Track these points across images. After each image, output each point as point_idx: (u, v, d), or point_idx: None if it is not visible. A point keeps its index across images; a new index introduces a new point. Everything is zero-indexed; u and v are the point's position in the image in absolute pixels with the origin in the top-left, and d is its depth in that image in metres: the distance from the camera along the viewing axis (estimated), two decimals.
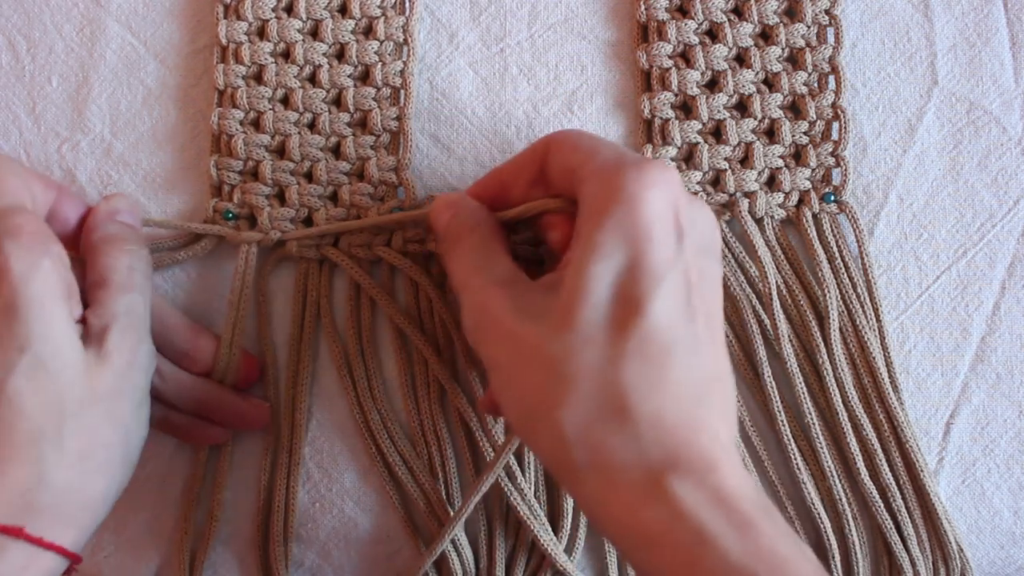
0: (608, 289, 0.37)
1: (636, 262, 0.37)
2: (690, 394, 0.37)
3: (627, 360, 0.37)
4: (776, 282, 0.52)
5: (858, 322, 0.51)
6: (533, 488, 0.50)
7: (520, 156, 0.45)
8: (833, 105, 0.53)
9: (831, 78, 0.53)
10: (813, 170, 0.53)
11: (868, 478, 0.50)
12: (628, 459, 0.36)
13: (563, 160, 0.42)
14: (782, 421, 0.51)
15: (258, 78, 0.52)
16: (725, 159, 0.53)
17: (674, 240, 0.38)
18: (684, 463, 0.36)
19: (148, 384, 0.44)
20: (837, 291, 0.52)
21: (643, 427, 0.36)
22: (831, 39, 0.53)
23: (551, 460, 0.39)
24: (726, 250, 0.52)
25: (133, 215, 0.48)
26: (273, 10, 0.53)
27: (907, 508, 0.50)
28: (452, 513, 0.49)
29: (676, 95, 0.53)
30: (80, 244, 0.46)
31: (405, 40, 0.53)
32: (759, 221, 0.53)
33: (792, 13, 0.54)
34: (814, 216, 0.53)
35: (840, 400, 0.51)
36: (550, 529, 0.49)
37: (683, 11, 0.54)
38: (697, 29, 0.53)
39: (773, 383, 0.51)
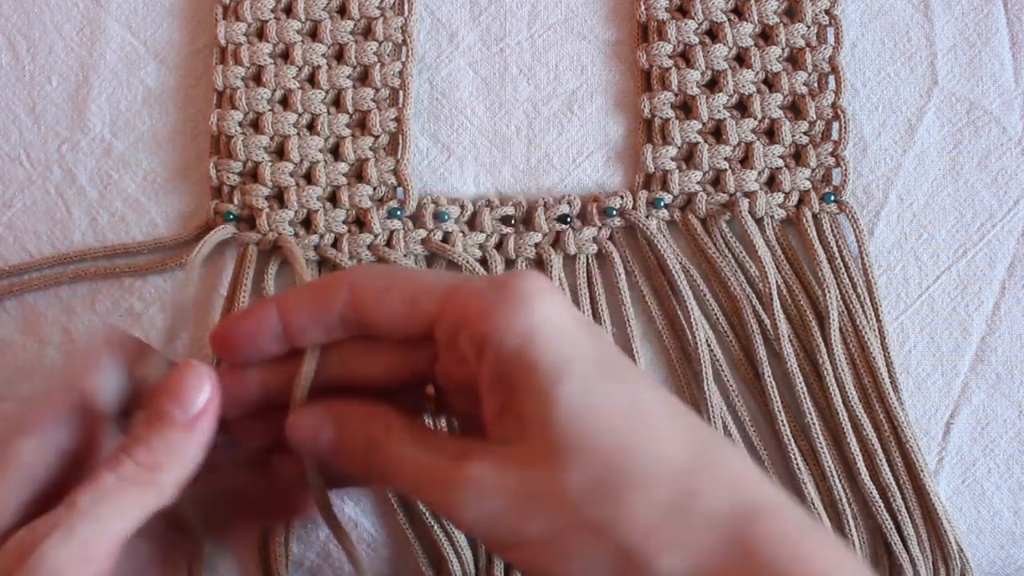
0: (592, 406, 0.34)
1: (600, 363, 0.35)
2: (729, 449, 0.35)
3: (663, 446, 0.34)
4: (776, 282, 0.52)
5: (858, 322, 0.51)
6: None
7: (299, 292, 0.39)
8: (833, 105, 0.53)
9: (831, 78, 0.53)
10: (813, 170, 0.53)
11: (868, 478, 0.50)
12: (705, 526, 0.33)
13: (398, 307, 0.37)
14: (782, 421, 0.51)
15: (257, 79, 0.52)
16: (725, 159, 0.53)
17: (594, 332, 0.36)
18: (760, 517, 0.33)
19: None
20: (837, 291, 0.52)
21: (710, 498, 0.33)
22: (831, 39, 0.53)
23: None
24: (726, 250, 0.52)
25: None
26: (272, 11, 0.53)
27: (907, 508, 0.50)
28: None
29: (676, 95, 0.53)
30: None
31: (404, 41, 0.53)
32: (759, 221, 0.53)
33: (792, 13, 0.54)
34: (814, 216, 0.53)
35: (840, 400, 0.51)
36: None
37: (683, 11, 0.54)
38: (697, 29, 0.53)
39: (773, 383, 0.51)
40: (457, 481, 0.34)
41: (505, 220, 0.52)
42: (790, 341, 0.51)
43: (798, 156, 0.53)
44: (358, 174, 0.52)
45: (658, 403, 0.35)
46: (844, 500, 0.50)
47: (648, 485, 0.33)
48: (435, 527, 0.49)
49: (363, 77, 0.53)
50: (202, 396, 0.36)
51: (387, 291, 0.37)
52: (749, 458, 0.37)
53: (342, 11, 0.53)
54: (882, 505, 0.50)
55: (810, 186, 0.53)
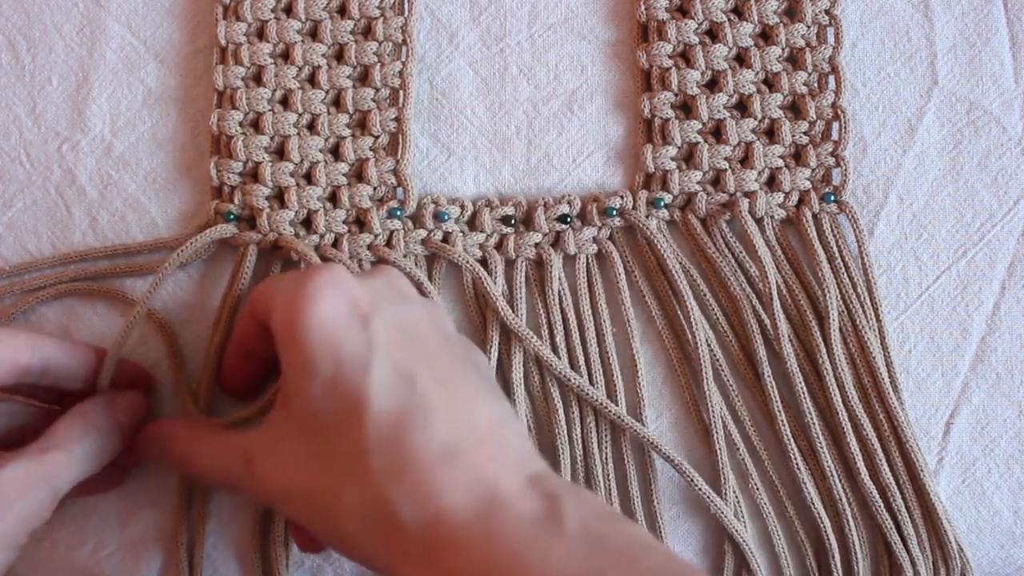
0: (329, 401, 0.39)
1: (337, 363, 0.39)
2: (433, 460, 0.38)
3: (369, 455, 0.38)
4: (776, 282, 0.52)
5: (858, 322, 0.51)
6: None
7: (235, 339, 0.48)
8: (833, 105, 0.53)
9: (831, 78, 0.53)
10: (813, 170, 0.53)
11: (868, 478, 0.50)
12: (397, 533, 0.38)
13: (256, 317, 0.44)
14: (782, 421, 0.51)
15: (257, 79, 0.52)
16: (725, 159, 0.53)
17: (360, 327, 0.40)
18: (447, 529, 0.37)
19: None
20: (837, 291, 0.52)
21: (401, 508, 0.38)
22: (831, 39, 0.53)
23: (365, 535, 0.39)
24: (726, 250, 0.52)
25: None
26: (272, 11, 0.53)
27: (907, 508, 0.50)
28: None
29: (676, 95, 0.53)
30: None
31: (404, 40, 0.53)
32: (759, 221, 0.53)
33: (792, 13, 0.54)
34: (814, 216, 0.53)
35: (840, 400, 0.51)
36: None
37: (683, 11, 0.54)
38: (697, 29, 0.53)
39: (773, 383, 0.51)
40: (238, 468, 0.42)
41: (505, 220, 0.52)
42: (790, 341, 0.51)
43: (798, 156, 0.53)
44: (358, 174, 0.52)
45: (375, 407, 0.39)
46: (844, 500, 0.50)
47: (356, 483, 0.38)
48: None
49: (363, 77, 0.53)
50: (138, 412, 0.48)
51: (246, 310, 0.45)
52: (472, 462, 0.39)
53: (342, 11, 0.53)
54: (882, 505, 0.50)
55: (810, 186, 0.53)
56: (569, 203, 0.53)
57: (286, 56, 0.53)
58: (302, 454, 0.40)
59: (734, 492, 0.50)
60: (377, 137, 0.52)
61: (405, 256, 0.51)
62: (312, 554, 0.49)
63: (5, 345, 0.44)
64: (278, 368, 0.43)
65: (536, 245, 0.52)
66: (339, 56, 0.53)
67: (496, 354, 0.50)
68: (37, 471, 0.41)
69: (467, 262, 0.51)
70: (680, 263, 0.52)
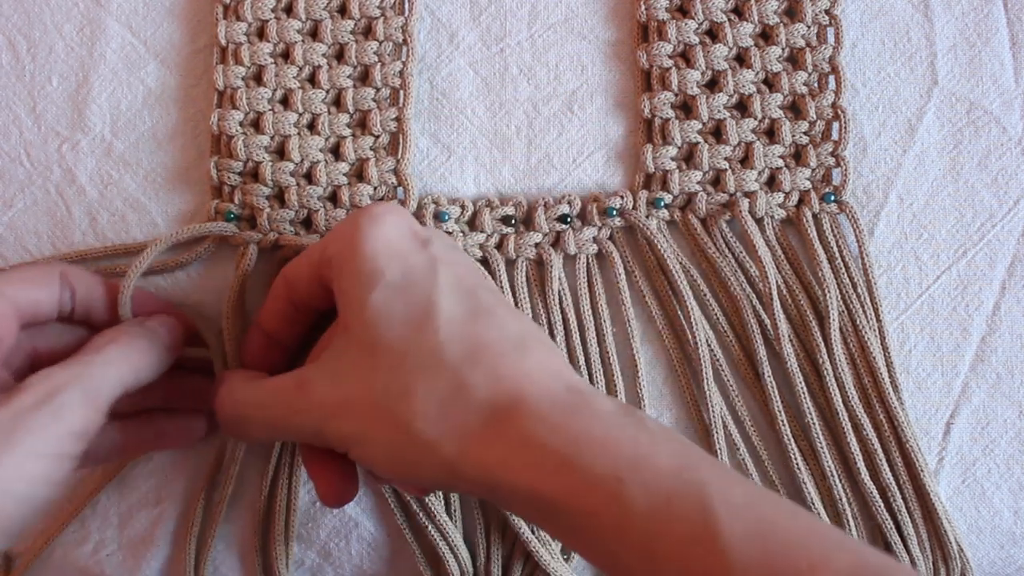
0: (397, 305, 0.40)
1: (406, 272, 0.41)
2: (507, 348, 0.40)
3: (444, 346, 0.39)
4: (776, 282, 0.52)
5: (858, 322, 0.51)
6: None
7: (268, 304, 0.47)
8: (833, 105, 0.53)
9: (831, 78, 0.53)
10: (813, 170, 0.53)
11: (868, 478, 0.50)
12: (473, 414, 0.38)
13: (307, 267, 0.45)
14: (782, 421, 0.51)
15: (258, 79, 0.52)
16: (725, 159, 0.53)
17: (420, 247, 0.42)
18: (531, 407, 0.38)
19: (52, 455, 0.40)
20: (837, 291, 0.52)
21: (478, 390, 0.38)
22: (831, 39, 0.53)
23: (413, 452, 0.40)
24: (726, 250, 0.52)
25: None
26: (272, 11, 0.53)
27: (907, 508, 0.50)
28: (445, 515, 0.49)
29: (676, 95, 0.53)
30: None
31: (404, 40, 0.53)
32: (759, 221, 0.53)
33: (792, 13, 0.54)
34: (814, 216, 0.53)
35: (840, 400, 0.51)
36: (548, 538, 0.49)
37: (683, 11, 0.54)
38: (697, 29, 0.53)
39: (773, 383, 0.51)
40: (297, 410, 0.41)
41: (505, 220, 0.52)
42: (790, 341, 0.51)
43: (798, 156, 0.53)
44: (359, 174, 0.52)
45: (452, 306, 0.40)
46: (844, 500, 0.50)
47: (429, 380, 0.39)
48: (430, 527, 0.49)
49: (363, 77, 0.53)
50: (176, 332, 0.47)
51: (299, 265, 0.45)
52: (543, 355, 0.40)
53: (342, 11, 0.53)
54: (882, 505, 0.50)
55: (810, 186, 0.53)
56: (569, 203, 0.53)
57: (286, 56, 0.53)
58: (365, 365, 0.40)
59: None
60: (377, 137, 0.52)
61: None
62: (339, 506, 0.47)
63: (40, 265, 0.44)
64: (302, 350, 0.46)
65: (536, 245, 0.52)
66: (339, 56, 0.53)
67: None
68: (67, 375, 0.41)
69: None
70: (680, 263, 0.52)
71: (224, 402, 0.45)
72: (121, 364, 0.43)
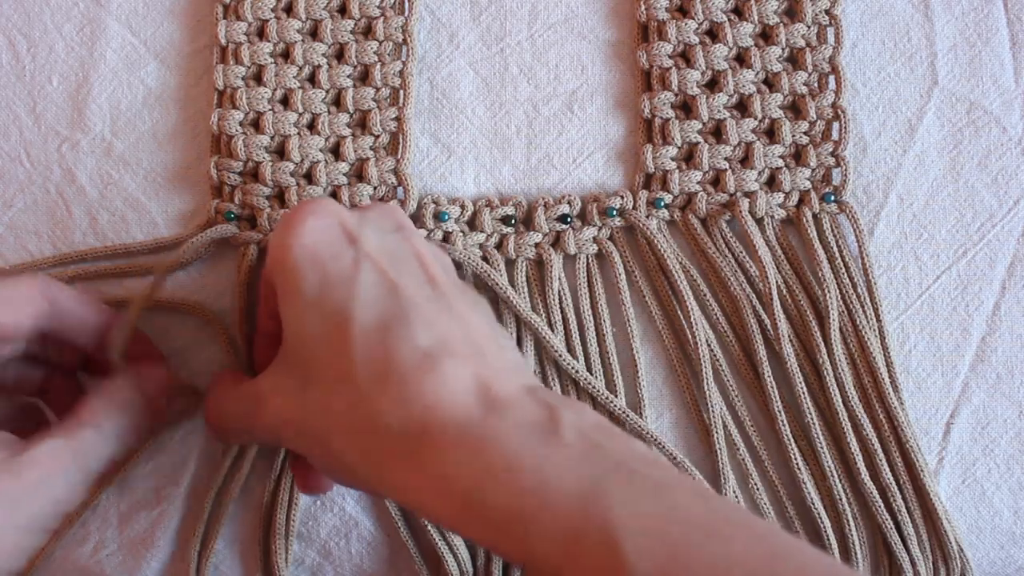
0: (315, 320, 0.39)
1: (324, 282, 0.39)
2: (413, 366, 0.38)
3: (355, 365, 0.38)
4: (776, 282, 0.52)
5: (858, 322, 0.51)
6: None
7: (261, 309, 0.47)
8: (833, 105, 0.53)
9: (831, 78, 0.53)
10: (813, 170, 0.53)
11: (868, 478, 0.50)
12: (385, 441, 0.37)
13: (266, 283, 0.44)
14: (782, 421, 0.51)
15: (258, 79, 0.52)
16: (725, 159, 0.53)
17: (347, 245, 0.40)
18: (437, 432, 0.37)
19: (46, 522, 0.41)
20: (837, 291, 0.52)
21: (387, 416, 0.37)
22: (831, 39, 0.53)
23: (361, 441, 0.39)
24: (726, 250, 0.52)
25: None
26: (272, 10, 0.53)
27: (907, 508, 0.50)
28: None
29: (676, 95, 0.53)
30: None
31: (404, 40, 0.53)
32: (759, 221, 0.53)
33: (792, 13, 0.54)
34: (814, 216, 0.53)
35: (840, 400, 0.51)
36: None
37: (683, 11, 0.54)
38: (697, 29, 0.53)
39: (773, 383, 0.51)
40: (252, 410, 0.41)
41: (505, 220, 0.52)
42: (790, 341, 0.51)
43: (798, 156, 0.53)
44: (358, 174, 0.52)
45: (367, 319, 0.38)
46: (844, 500, 0.50)
47: (343, 401, 0.38)
48: (430, 527, 0.49)
49: (363, 77, 0.53)
50: (158, 386, 0.46)
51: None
52: (457, 373, 0.38)
53: (342, 10, 0.53)
54: (882, 505, 0.50)
55: (810, 186, 0.53)
56: (569, 203, 0.53)
57: (286, 55, 0.53)
58: (295, 381, 0.40)
59: (734, 492, 0.50)
60: (377, 137, 0.52)
61: None
62: (312, 495, 0.47)
63: (23, 285, 0.43)
64: None
65: (536, 245, 0.52)
66: (339, 55, 0.53)
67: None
68: (68, 449, 0.40)
69: (469, 258, 0.51)
70: (680, 263, 0.52)
71: (210, 404, 0.45)
72: (114, 436, 0.42)
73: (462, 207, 0.52)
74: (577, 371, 0.50)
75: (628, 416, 0.50)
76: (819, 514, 0.50)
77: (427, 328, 0.38)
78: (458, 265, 0.52)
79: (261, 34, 0.53)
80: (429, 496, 0.36)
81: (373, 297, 0.39)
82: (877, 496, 0.50)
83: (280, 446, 0.42)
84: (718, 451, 0.51)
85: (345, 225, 0.40)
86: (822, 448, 0.50)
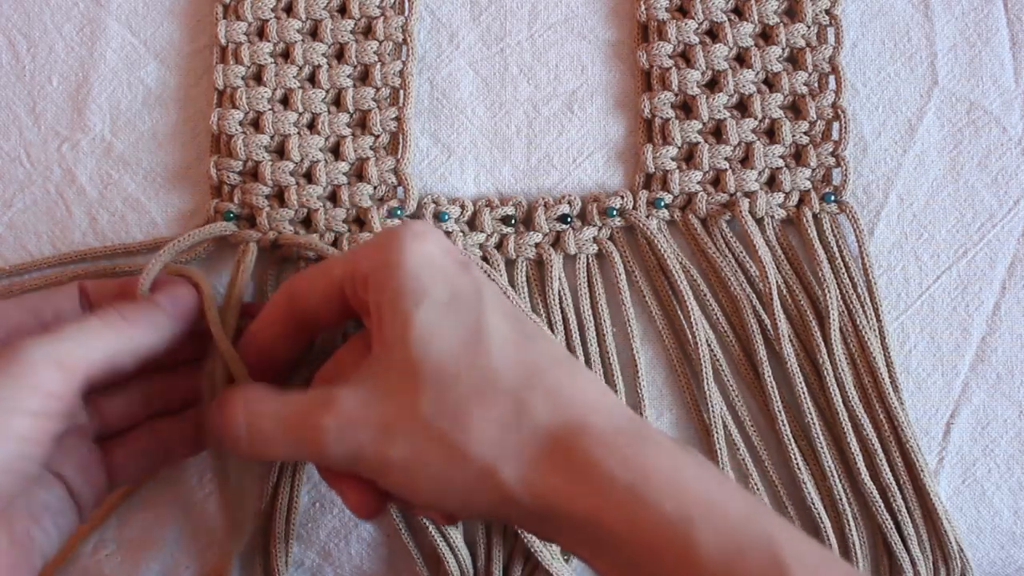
0: (445, 325, 0.38)
1: (454, 293, 0.39)
2: (563, 374, 0.39)
3: (498, 369, 0.38)
4: (776, 282, 0.52)
5: (858, 322, 0.51)
6: None
7: (264, 316, 0.45)
8: (833, 105, 0.53)
9: (831, 78, 0.53)
10: (813, 170, 0.53)
11: (868, 478, 0.50)
12: (534, 438, 0.37)
13: (319, 286, 0.43)
14: (782, 421, 0.51)
15: (257, 78, 0.53)
16: (725, 159, 0.53)
17: (462, 268, 0.40)
18: (595, 431, 0.37)
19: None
20: (837, 291, 0.52)
21: (538, 414, 0.37)
22: (831, 39, 0.53)
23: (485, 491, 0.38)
24: (726, 250, 0.52)
25: None
26: (272, 10, 0.53)
27: (907, 508, 0.50)
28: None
29: (676, 95, 0.53)
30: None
31: (404, 40, 0.53)
32: (759, 221, 0.53)
33: (792, 13, 0.54)
34: (814, 216, 0.53)
35: (840, 400, 0.51)
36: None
37: (683, 11, 0.54)
38: (697, 29, 0.53)
39: (773, 383, 0.51)
40: (320, 431, 0.38)
41: (505, 220, 0.52)
42: (790, 341, 0.51)
43: (798, 156, 0.53)
44: (358, 173, 0.52)
45: (502, 329, 0.39)
46: (844, 500, 0.50)
47: (485, 404, 0.37)
48: (430, 527, 0.49)
49: (363, 76, 0.53)
50: (184, 303, 0.44)
51: (313, 279, 0.43)
52: (596, 382, 0.40)
53: (342, 10, 0.53)
54: (882, 505, 0.50)
55: (810, 186, 0.53)
56: (569, 203, 0.53)
57: (286, 55, 0.53)
58: (409, 387, 0.38)
59: None
60: (377, 136, 0.52)
61: None
62: (373, 519, 0.46)
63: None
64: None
65: (536, 245, 0.52)
66: (339, 55, 0.53)
67: None
68: (38, 339, 0.38)
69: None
70: (680, 263, 0.52)
71: (237, 416, 0.41)
72: (103, 332, 0.40)
73: (462, 207, 0.52)
74: None
75: None
76: (819, 514, 0.50)
77: (559, 345, 0.40)
78: None
79: (261, 34, 0.53)
80: (581, 491, 0.36)
81: (503, 316, 0.39)
82: (877, 496, 0.50)
83: (344, 464, 0.39)
84: (718, 451, 0.51)
85: (453, 251, 0.41)
86: (822, 448, 0.50)
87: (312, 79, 0.53)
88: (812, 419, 0.51)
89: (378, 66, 0.53)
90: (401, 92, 0.53)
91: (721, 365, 0.51)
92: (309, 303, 0.43)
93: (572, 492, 0.36)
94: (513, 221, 0.52)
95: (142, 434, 0.46)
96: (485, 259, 0.52)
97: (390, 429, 0.38)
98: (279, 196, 0.52)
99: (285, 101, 0.52)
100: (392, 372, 0.38)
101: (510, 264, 0.52)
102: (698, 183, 0.53)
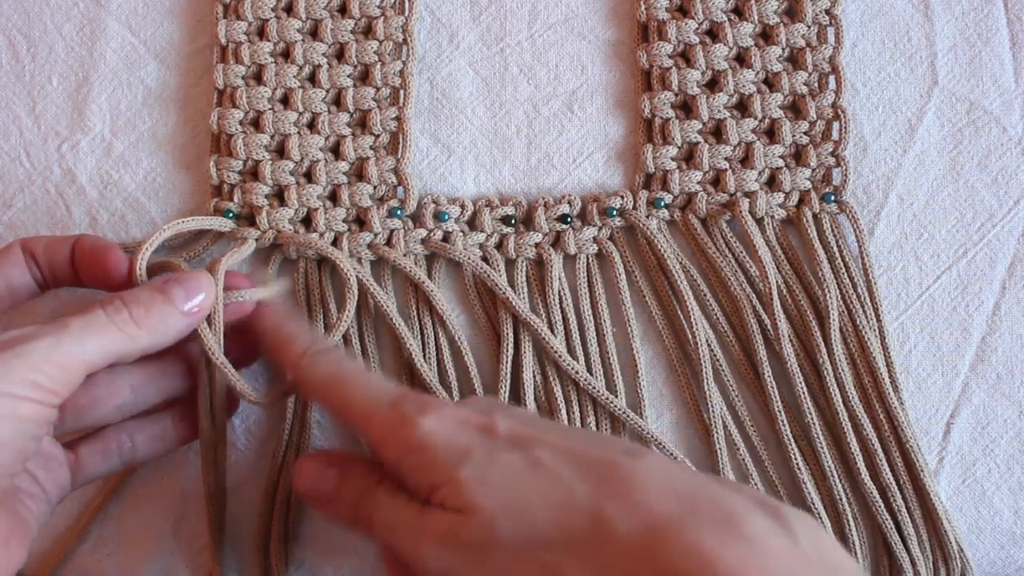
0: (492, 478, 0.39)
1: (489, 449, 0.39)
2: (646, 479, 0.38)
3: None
4: (776, 282, 0.52)
5: (858, 322, 0.51)
6: None
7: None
8: (833, 105, 0.53)
9: (831, 78, 0.53)
10: (813, 170, 0.53)
11: (868, 478, 0.50)
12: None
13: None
14: (782, 421, 0.51)
15: (258, 78, 0.53)
16: (725, 159, 0.53)
17: (482, 438, 0.40)
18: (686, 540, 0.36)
19: None
20: (837, 291, 0.52)
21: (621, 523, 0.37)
22: (831, 39, 0.53)
23: None
24: (726, 250, 0.52)
25: None
26: (272, 10, 0.53)
27: (907, 508, 0.50)
28: None
29: (676, 95, 0.53)
30: None
31: (404, 40, 0.53)
32: (759, 221, 0.53)
33: (792, 13, 0.54)
34: (814, 216, 0.53)
35: (840, 400, 0.51)
36: None
37: (683, 11, 0.54)
38: (697, 29, 0.53)
39: (773, 383, 0.51)
40: (426, 532, 0.39)
41: (505, 220, 0.52)
42: (790, 341, 0.51)
43: (798, 156, 0.53)
44: (358, 173, 0.52)
45: (559, 453, 0.39)
46: (844, 500, 0.50)
47: (562, 524, 0.37)
48: None
49: (364, 76, 0.53)
50: (204, 299, 0.44)
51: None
52: (664, 469, 0.39)
53: (343, 10, 0.53)
54: (882, 505, 0.50)
55: (810, 186, 0.53)
56: (569, 203, 0.53)
57: (286, 55, 0.53)
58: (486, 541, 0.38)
59: None
60: (377, 136, 0.52)
61: (405, 255, 0.51)
62: None
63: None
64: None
65: (536, 245, 0.52)
66: (340, 55, 0.53)
67: (512, 349, 0.50)
68: (42, 328, 0.39)
69: (468, 258, 0.51)
70: (680, 263, 0.52)
71: (347, 492, 0.43)
72: (108, 332, 0.41)
73: (462, 207, 0.52)
74: (577, 372, 0.50)
75: (628, 416, 0.50)
76: (819, 514, 0.50)
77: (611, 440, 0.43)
78: (458, 266, 0.52)
79: (261, 34, 0.53)
80: None
81: (552, 445, 0.40)
82: (877, 496, 0.50)
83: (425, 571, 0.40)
84: (718, 451, 0.50)
85: (468, 419, 0.41)
86: (822, 448, 0.50)
87: (312, 79, 0.53)
88: (812, 419, 0.51)
89: (378, 66, 0.53)
90: (401, 92, 0.53)
91: (721, 365, 0.51)
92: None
93: None
94: (513, 221, 0.52)
95: (109, 433, 0.46)
96: (485, 259, 0.52)
97: (479, 555, 0.38)
98: (279, 196, 0.52)
99: (285, 101, 0.52)
100: (466, 514, 0.39)
101: (510, 264, 0.52)
102: (698, 183, 0.53)
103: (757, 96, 0.53)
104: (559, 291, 0.52)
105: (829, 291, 0.51)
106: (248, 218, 0.52)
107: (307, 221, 0.52)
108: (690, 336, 0.51)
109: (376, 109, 0.52)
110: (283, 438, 0.50)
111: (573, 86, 0.54)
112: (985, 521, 0.52)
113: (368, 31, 0.53)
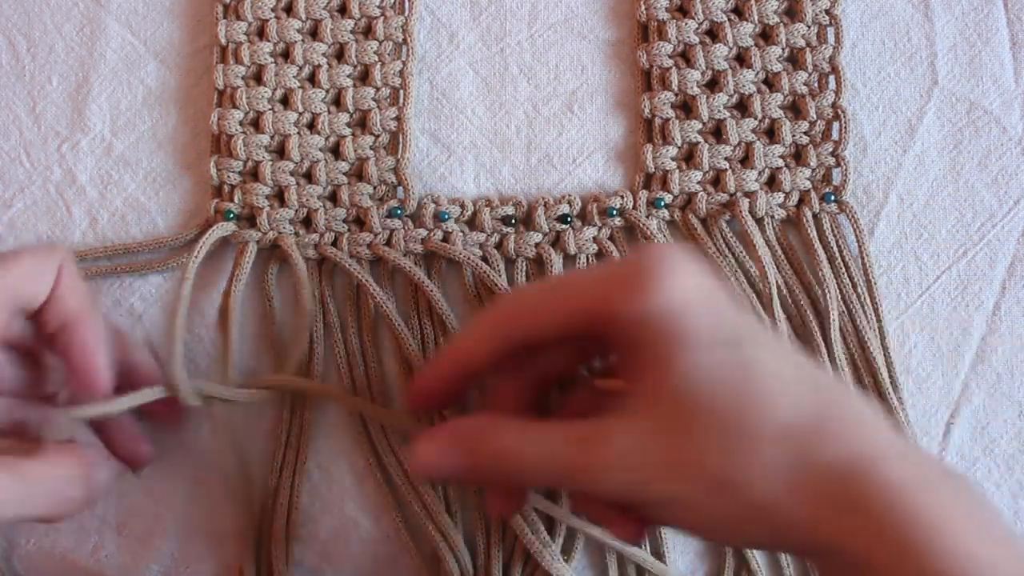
0: (717, 366, 0.36)
1: (722, 332, 0.36)
2: (851, 413, 0.37)
3: (779, 409, 0.36)
4: (776, 282, 0.52)
5: (858, 322, 0.51)
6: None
7: (470, 333, 0.41)
8: (833, 105, 0.53)
9: (831, 78, 0.53)
10: (813, 170, 0.53)
11: None
12: (826, 481, 0.35)
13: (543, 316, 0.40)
14: None
15: (258, 78, 0.53)
16: (725, 159, 0.53)
17: (728, 306, 0.37)
18: (883, 472, 0.35)
19: None
20: (837, 291, 0.52)
21: (827, 455, 0.35)
22: (831, 39, 0.53)
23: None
24: (726, 250, 0.52)
25: None
26: (272, 10, 0.53)
27: None
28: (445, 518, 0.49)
29: (676, 95, 0.53)
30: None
31: (404, 40, 0.53)
32: (759, 221, 0.53)
33: (792, 13, 0.54)
34: (814, 216, 0.53)
35: None
36: (546, 534, 0.49)
37: (683, 11, 0.54)
38: (697, 29, 0.53)
39: None
40: (595, 464, 0.36)
41: (505, 220, 0.52)
42: (790, 341, 0.51)
43: (798, 156, 0.53)
44: (358, 173, 0.52)
45: (774, 363, 0.36)
46: None
47: (763, 444, 0.35)
48: (430, 527, 0.49)
49: (363, 76, 0.53)
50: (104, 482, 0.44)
51: (543, 301, 0.39)
52: (870, 409, 0.37)
53: (342, 10, 0.53)
54: None
55: (810, 186, 0.53)
56: (569, 203, 0.53)
57: (286, 55, 0.53)
58: (684, 428, 0.36)
59: None
60: (377, 136, 0.52)
61: (405, 255, 0.51)
62: (638, 541, 0.44)
63: (40, 267, 0.42)
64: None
65: (536, 245, 0.52)
66: (339, 55, 0.53)
67: None
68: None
69: (468, 258, 0.51)
70: None
71: (479, 448, 0.39)
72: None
73: (462, 207, 0.52)
74: None
75: None
76: None
77: (832, 375, 0.39)
78: (458, 266, 0.52)
79: (261, 34, 0.53)
80: (864, 542, 0.34)
81: (776, 348, 0.37)
82: None
83: (612, 496, 0.37)
84: None
85: (714, 279, 0.38)
86: None
87: (312, 79, 0.53)
88: None
89: (378, 66, 0.53)
90: (401, 92, 0.53)
91: None
92: (534, 328, 0.39)
93: (851, 537, 0.34)
94: (513, 221, 0.52)
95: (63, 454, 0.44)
96: (485, 259, 0.52)
97: (672, 467, 0.36)
98: (279, 196, 0.52)
99: (285, 101, 0.52)
100: (664, 412, 0.36)
101: (510, 264, 0.52)
102: (698, 183, 0.53)
103: (757, 96, 0.53)
104: None
105: (829, 291, 0.51)
106: (248, 218, 0.52)
107: (307, 221, 0.52)
108: None
109: (376, 109, 0.52)
110: (282, 438, 0.50)
111: (573, 86, 0.54)
112: None
113: (368, 31, 0.53)
